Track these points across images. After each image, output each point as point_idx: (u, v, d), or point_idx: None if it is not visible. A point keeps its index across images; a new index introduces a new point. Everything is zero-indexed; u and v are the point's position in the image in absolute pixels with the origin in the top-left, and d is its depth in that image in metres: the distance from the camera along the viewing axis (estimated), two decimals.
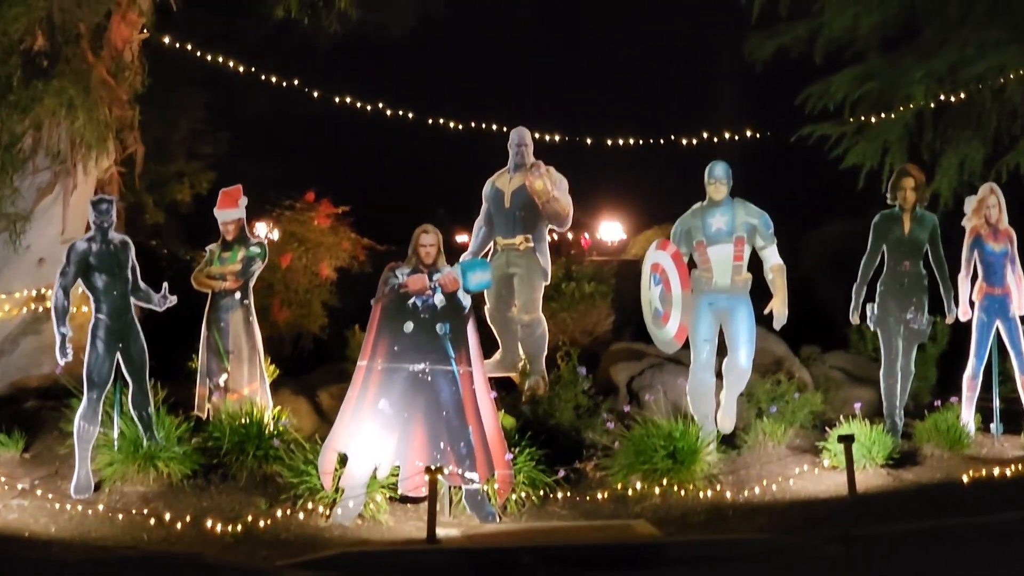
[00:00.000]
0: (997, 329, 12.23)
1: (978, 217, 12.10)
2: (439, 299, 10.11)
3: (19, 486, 10.62)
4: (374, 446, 9.99)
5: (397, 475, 10.13)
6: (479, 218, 13.72)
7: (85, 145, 13.61)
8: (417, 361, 9.97)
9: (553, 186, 13.04)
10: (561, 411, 12.16)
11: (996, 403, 12.89)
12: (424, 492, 9.51)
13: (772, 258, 11.59)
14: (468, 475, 9.85)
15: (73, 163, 13.78)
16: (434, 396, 10.07)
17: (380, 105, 15.89)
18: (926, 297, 12.14)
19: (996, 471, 10.92)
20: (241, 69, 15.80)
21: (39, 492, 10.45)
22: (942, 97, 15.07)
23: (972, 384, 12.15)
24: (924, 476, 11.11)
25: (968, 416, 12.10)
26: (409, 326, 10.00)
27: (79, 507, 10.17)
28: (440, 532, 9.24)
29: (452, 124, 16.33)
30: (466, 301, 10.36)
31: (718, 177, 11.85)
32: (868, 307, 12.26)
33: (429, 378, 10.06)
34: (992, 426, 12.72)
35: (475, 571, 8.91)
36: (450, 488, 10.15)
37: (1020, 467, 11.03)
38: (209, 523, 9.67)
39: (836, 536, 8.93)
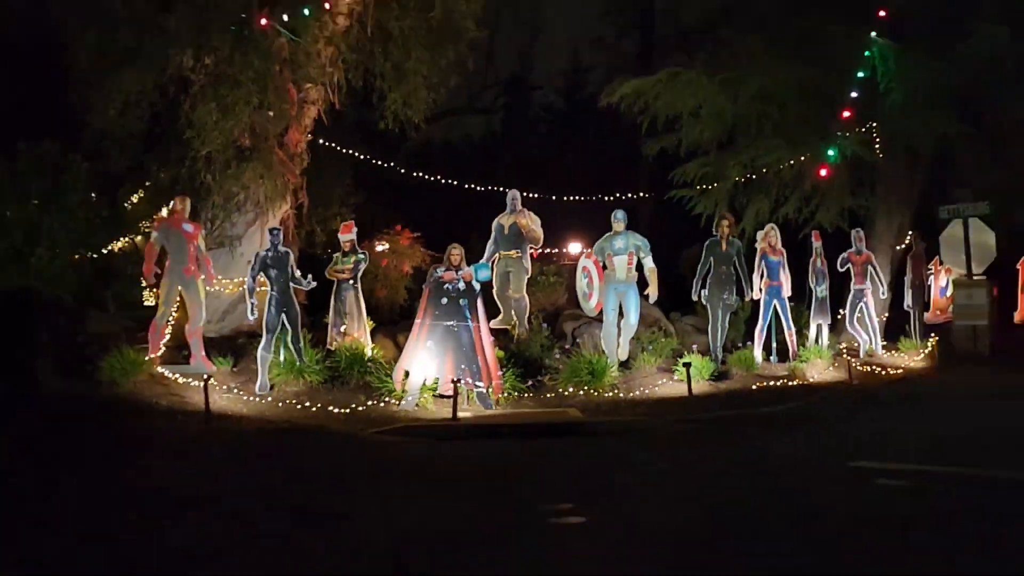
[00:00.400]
0: (775, 305, 14.22)
1: (764, 242, 14.00)
2: (461, 285, 11.87)
3: (229, 386, 12.00)
4: (424, 366, 11.80)
5: (437, 383, 11.78)
6: (490, 240, 14.71)
7: (272, 199, 14.75)
8: (448, 320, 11.80)
9: (531, 222, 14.53)
10: (532, 348, 13.62)
11: (773, 345, 14.83)
12: (451, 392, 11.15)
13: (648, 264, 13.34)
14: (477, 383, 11.72)
15: (266, 208, 14.85)
16: (458, 340, 11.81)
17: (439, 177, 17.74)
18: (735, 286, 13.79)
19: (769, 383, 13.05)
20: (362, 156, 17.13)
21: (238, 391, 11.84)
22: (746, 176, 16.68)
23: (760, 335, 14.31)
24: (731, 386, 13.11)
25: (757, 353, 14.22)
26: (444, 300, 11.83)
27: (259, 399, 11.70)
28: (460, 414, 10.98)
29: (480, 187, 18.12)
30: (477, 287, 12.05)
31: (619, 219, 13.62)
32: (702, 291, 13.94)
33: (455, 330, 11.81)
34: (771, 358, 14.64)
35: (476, 435, 10.57)
36: (467, 391, 11.72)
37: (784, 382, 13.09)
38: (332, 409, 11.36)
39: (679, 418, 11.12)
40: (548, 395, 12.47)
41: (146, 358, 12.30)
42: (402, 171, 17.48)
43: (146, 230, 14.12)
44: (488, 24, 19.33)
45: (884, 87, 14.00)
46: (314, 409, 11.42)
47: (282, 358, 12.50)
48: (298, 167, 15.40)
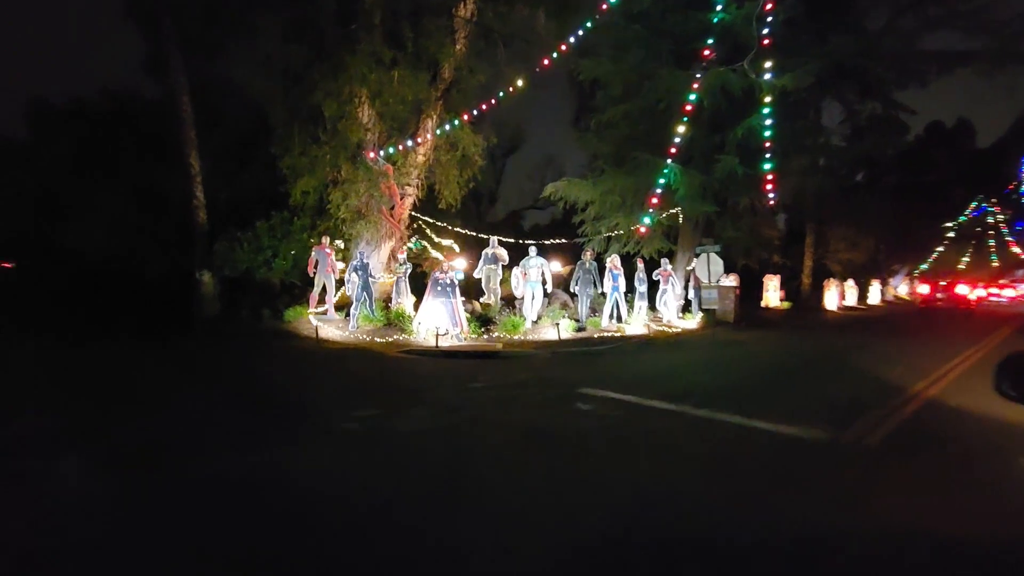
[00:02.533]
0: (615, 295, 12.57)
1: (611, 263, 12.59)
2: (448, 280, 10.82)
3: (340, 326, 11.33)
4: (428, 319, 10.69)
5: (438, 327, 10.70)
6: (481, 259, 13.01)
7: (374, 240, 13.36)
8: (441, 297, 10.72)
9: (502, 253, 13.07)
10: (490, 312, 12.31)
11: (615, 314, 13.02)
12: (442, 333, 10.48)
13: (547, 273, 12.21)
14: (454, 329, 10.68)
15: (378, 246, 13.37)
16: (445, 306, 10.67)
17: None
18: (592, 285, 12.46)
19: (605, 335, 11.61)
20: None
21: (337, 329, 11.16)
22: (610, 231, 15.04)
23: (607, 309, 12.55)
24: (585, 336, 11.54)
25: (604, 319, 12.45)
26: (438, 287, 10.78)
27: (349, 333, 10.90)
28: (443, 344, 10.05)
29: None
30: (456, 281, 11.04)
31: (532, 252, 12.40)
32: (575, 287, 12.58)
33: (443, 301, 10.69)
34: (613, 321, 12.60)
35: (443, 356, 9.59)
36: (448, 333, 10.58)
37: (613, 334, 11.66)
38: (380, 339, 10.52)
39: (550, 351, 10.02)
40: (492, 336, 11.23)
41: (307, 310, 11.96)
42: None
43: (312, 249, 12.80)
44: None
45: (674, 186, 12.97)
46: (374, 339, 10.54)
47: (361, 312, 11.46)
48: (403, 225, 14.08)
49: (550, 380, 7.24)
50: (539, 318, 12.30)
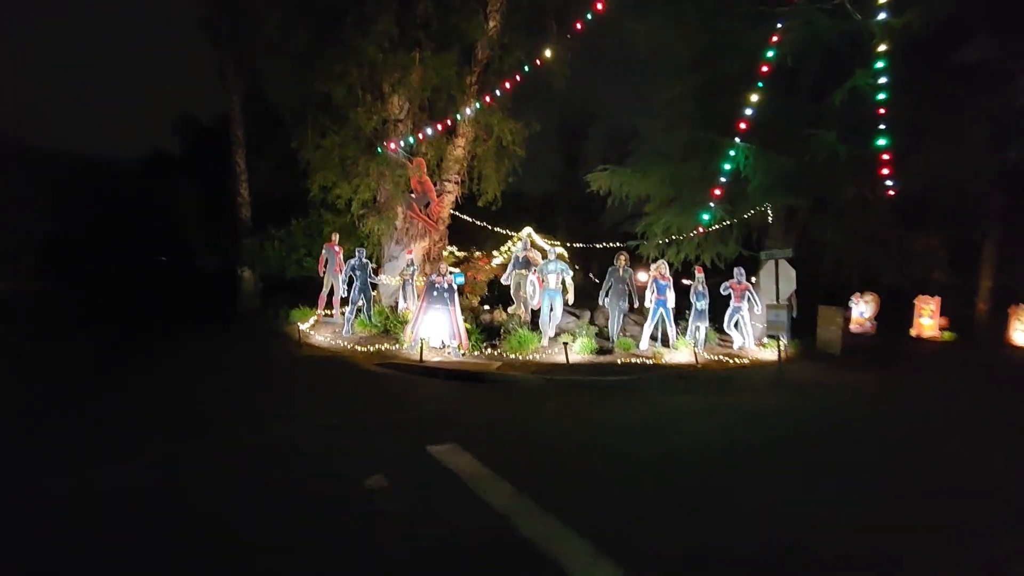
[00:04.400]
0: (660, 311, 10.14)
1: (656, 271, 10.16)
2: (445, 284, 9.55)
3: (335, 330, 10.56)
4: (422, 329, 9.42)
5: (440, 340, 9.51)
6: (511, 262, 11.54)
7: (414, 244, 12.43)
8: (437, 304, 9.49)
9: (535, 255, 11.46)
10: (511, 323, 10.42)
11: (659, 336, 10.28)
12: (438, 346, 9.41)
13: (567, 280, 10.20)
14: (451, 343, 9.44)
15: (407, 246, 12.32)
16: (442, 316, 9.47)
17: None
18: (627, 298, 10.26)
19: (633, 360, 9.25)
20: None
21: (335, 332, 10.37)
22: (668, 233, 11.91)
23: (648, 328, 10.09)
24: (605, 360, 9.30)
25: (644, 341, 10.07)
26: (435, 293, 9.52)
27: (340, 339, 10.00)
28: (432, 359, 8.93)
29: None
30: (455, 287, 9.77)
31: (551, 254, 10.60)
32: (605, 299, 10.37)
33: (439, 310, 9.48)
34: (657, 343, 10.26)
35: (422, 373, 8.37)
36: (446, 347, 9.47)
37: (644, 361, 9.25)
38: (366, 348, 9.48)
39: (547, 378, 8.12)
40: (497, 353, 9.49)
41: (317, 311, 11.35)
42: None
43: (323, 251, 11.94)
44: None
45: (745, 173, 9.92)
46: (356, 348, 9.48)
47: (356, 316, 10.58)
48: (440, 224, 12.93)
49: (456, 424, 5.54)
50: (558, 334, 10.27)
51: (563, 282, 10.19)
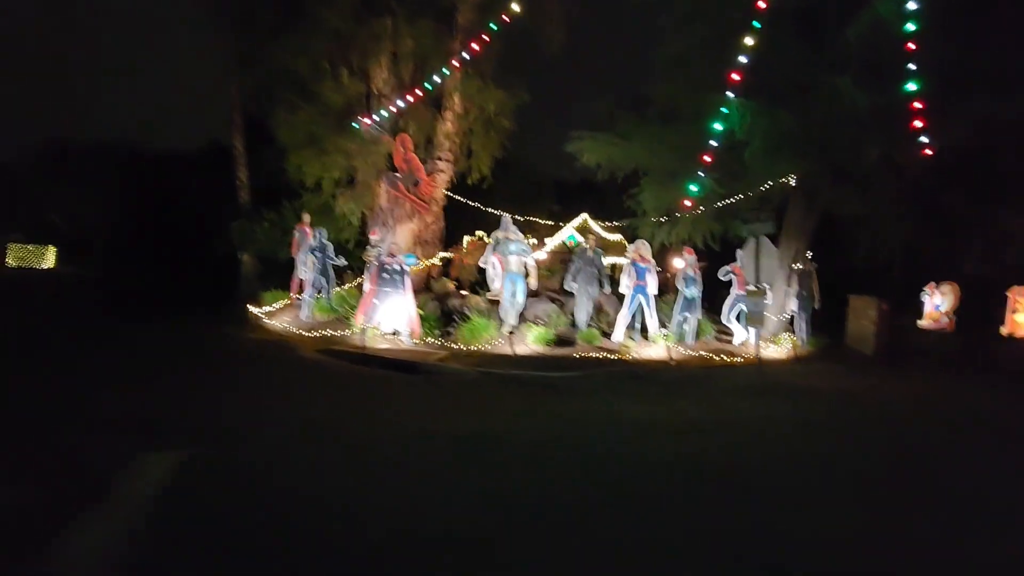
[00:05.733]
0: (640, 299, 8.77)
1: (635, 253, 8.89)
2: (396, 267, 8.84)
3: (295, 316, 10.09)
4: (374, 314, 8.72)
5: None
6: (489, 245, 9.87)
7: (399, 226, 11.58)
8: (389, 287, 8.80)
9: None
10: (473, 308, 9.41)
11: (637, 327, 8.91)
12: (389, 333, 8.74)
13: (530, 262, 9.08)
14: (403, 331, 8.75)
15: (393, 228, 11.35)
16: (394, 301, 8.75)
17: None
18: (597, 282, 9.10)
19: (593, 355, 8.09)
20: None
21: (292, 318, 9.90)
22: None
23: (623, 319, 8.84)
24: (560, 353, 8.23)
25: (619, 332, 8.80)
26: (385, 276, 8.82)
27: (296, 323, 9.60)
28: (379, 346, 8.37)
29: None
30: (407, 269, 9.02)
31: (513, 230, 9.35)
32: (572, 283, 9.04)
33: (391, 294, 8.77)
34: (635, 336, 8.94)
35: (359, 360, 7.69)
36: (398, 333, 8.73)
37: (606, 355, 8.06)
38: (317, 333, 8.97)
39: (482, 371, 7.24)
40: (450, 343, 8.57)
41: (288, 294, 10.94)
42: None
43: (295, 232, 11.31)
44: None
45: (740, 134, 8.26)
46: (306, 333, 8.99)
47: (316, 301, 9.97)
48: (434, 205, 12.18)
49: (264, 421, 4.75)
50: (533, 321, 9.24)
51: (525, 264, 9.13)
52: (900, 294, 16.31)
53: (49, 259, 23.11)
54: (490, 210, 12.73)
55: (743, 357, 8.53)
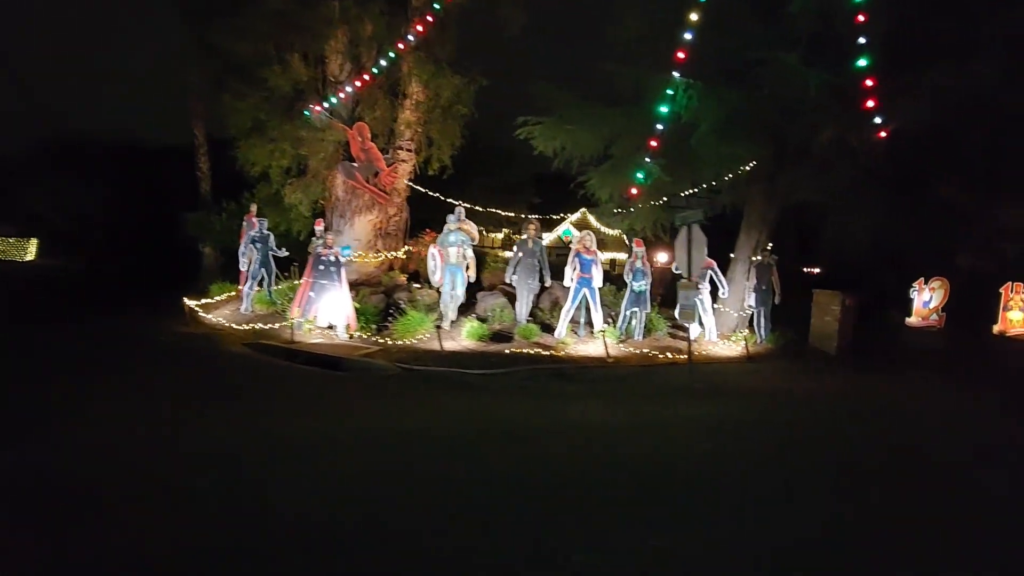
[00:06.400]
0: (585, 292, 8.37)
1: (580, 244, 8.40)
2: (332, 258, 8.61)
3: (236, 307, 9.88)
4: (309, 307, 8.56)
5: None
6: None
7: (356, 217, 11.56)
8: (324, 280, 8.60)
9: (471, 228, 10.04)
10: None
11: (563, 322, 8.41)
12: (324, 326, 8.51)
13: (468, 254, 8.73)
14: (339, 325, 8.50)
15: (351, 220, 11.48)
16: (330, 294, 8.57)
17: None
18: (538, 274, 8.64)
19: (526, 351, 7.69)
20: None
21: (230, 311, 9.65)
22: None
23: (567, 313, 8.43)
24: (492, 348, 7.84)
25: (562, 328, 8.37)
26: (321, 267, 8.61)
27: (232, 322, 9.24)
28: (312, 341, 8.11)
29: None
30: (343, 260, 8.73)
31: (451, 220, 8.98)
32: (513, 276, 8.67)
33: (326, 287, 8.58)
34: (579, 332, 8.52)
35: (284, 355, 7.46)
36: (333, 327, 8.53)
37: (540, 351, 7.67)
38: (250, 326, 8.73)
39: (405, 367, 6.94)
40: (385, 338, 8.23)
41: (235, 286, 10.55)
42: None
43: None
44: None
45: (686, 115, 7.75)
46: (237, 327, 8.71)
47: (255, 293, 9.70)
48: (396, 196, 11.88)
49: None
50: (471, 316, 8.84)
51: (465, 256, 8.74)
52: (889, 289, 15.70)
53: (31, 252, 23.10)
54: (452, 201, 12.42)
55: (690, 355, 8.06)
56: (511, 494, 3.24)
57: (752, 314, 9.19)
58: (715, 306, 9.37)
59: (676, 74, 7.51)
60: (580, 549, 2.59)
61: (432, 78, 10.98)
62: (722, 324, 9.28)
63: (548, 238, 12.21)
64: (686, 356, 7.94)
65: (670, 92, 7.56)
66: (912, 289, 14.58)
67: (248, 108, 10.46)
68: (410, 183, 12.55)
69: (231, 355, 7.51)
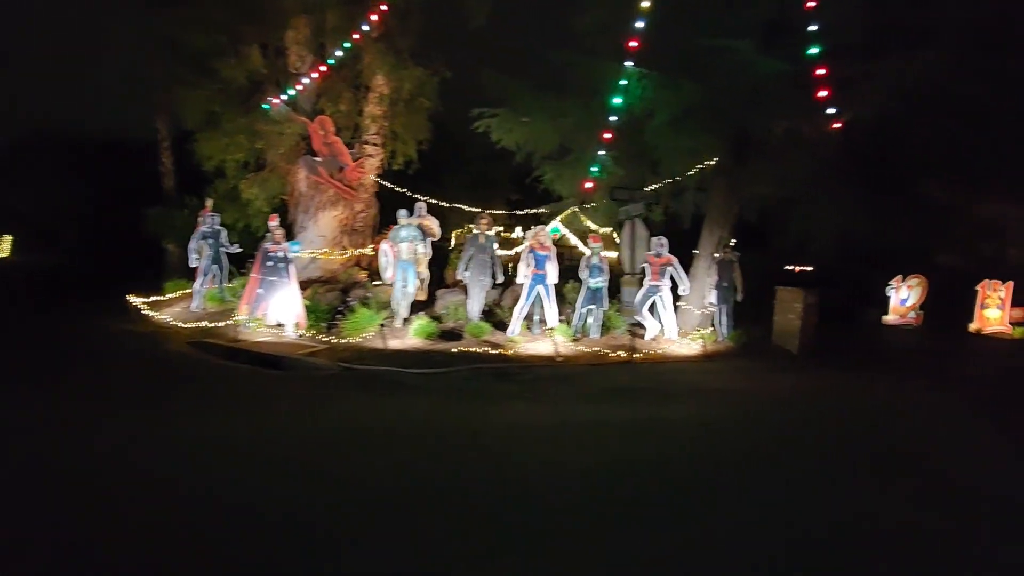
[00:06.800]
0: (539, 289, 8.10)
1: (535, 239, 8.18)
2: (280, 254, 8.36)
3: (179, 305, 9.71)
4: (257, 305, 8.34)
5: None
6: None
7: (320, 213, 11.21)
8: (272, 277, 8.35)
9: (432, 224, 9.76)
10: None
11: (517, 320, 8.14)
12: (273, 325, 8.22)
13: (420, 249, 8.52)
14: (288, 323, 8.20)
15: (315, 215, 11.10)
16: (278, 291, 8.27)
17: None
18: (490, 271, 8.35)
19: (474, 349, 7.43)
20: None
21: (180, 309, 9.45)
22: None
23: (520, 311, 8.15)
24: (440, 347, 7.56)
25: (515, 325, 8.13)
26: (269, 264, 8.38)
27: (179, 320, 9.07)
28: (261, 339, 7.84)
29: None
30: (291, 257, 8.44)
31: (402, 216, 8.79)
32: (465, 273, 8.34)
33: (275, 283, 8.32)
34: (533, 330, 8.31)
35: (224, 355, 7.24)
36: (282, 325, 8.19)
37: (488, 350, 7.44)
38: (198, 324, 8.35)
39: (345, 367, 6.70)
40: (333, 336, 7.95)
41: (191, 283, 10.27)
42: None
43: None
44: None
45: (642, 111, 7.52)
46: (183, 325, 8.45)
47: (206, 289, 9.45)
48: (363, 192, 11.59)
49: None
50: (421, 313, 8.62)
51: (416, 252, 8.53)
52: (869, 287, 15.55)
53: (4, 248, 22.86)
54: (418, 197, 12.20)
55: (644, 353, 7.87)
56: (384, 501, 3.04)
57: (714, 312, 9.00)
58: (678, 304, 9.19)
59: (630, 63, 7.30)
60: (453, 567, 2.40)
61: (393, 70, 10.76)
62: (684, 322, 9.08)
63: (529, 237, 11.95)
64: (640, 355, 7.75)
65: (623, 83, 7.35)
66: (889, 287, 14.46)
67: (200, 100, 10.21)
68: (379, 179, 12.35)
69: (170, 354, 7.32)
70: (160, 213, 12.92)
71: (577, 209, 11.90)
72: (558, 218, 12.35)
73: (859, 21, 6.51)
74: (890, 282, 14.35)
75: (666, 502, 3.21)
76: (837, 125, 6.83)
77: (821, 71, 6.53)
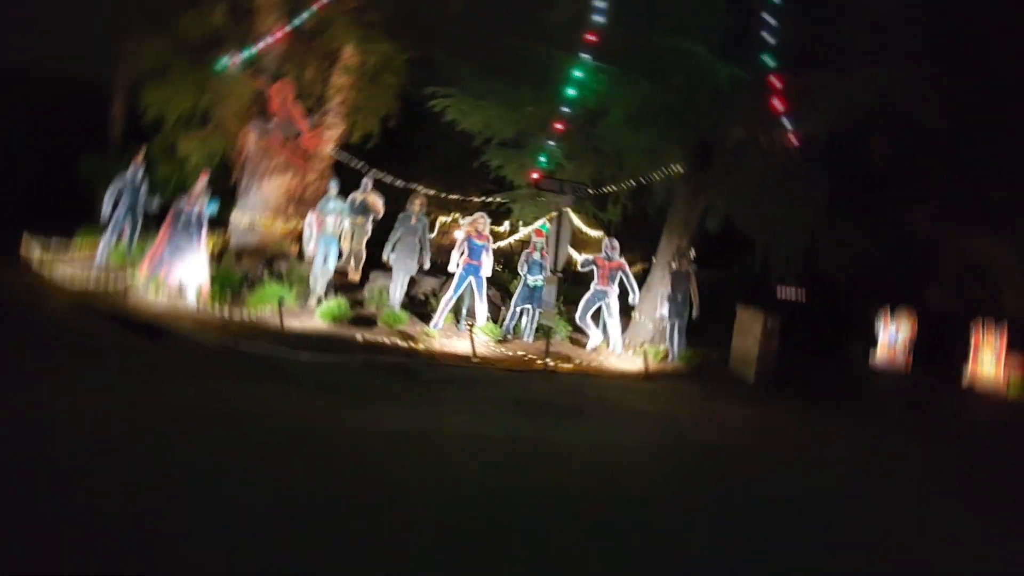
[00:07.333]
0: (471, 281, 7.46)
1: (472, 227, 7.45)
2: (196, 212, 7.65)
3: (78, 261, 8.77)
4: (161, 267, 7.55)
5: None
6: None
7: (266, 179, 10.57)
8: (183, 238, 7.59)
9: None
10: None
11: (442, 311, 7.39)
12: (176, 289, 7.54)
13: (346, 224, 7.93)
14: (190, 290, 7.52)
15: (259, 181, 10.50)
16: (188, 254, 7.53)
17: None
18: (418, 255, 7.84)
19: (385, 340, 6.68)
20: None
21: (83, 264, 8.53)
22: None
23: (447, 302, 7.44)
24: (354, 333, 6.67)
25: (440, 318, 7.34)
26: (180, 223, 7.61)
27: (81, 279, 8.25)
28: (159, 308, 7.15)
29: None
30: (204, 218, 7.74)
31: (331, 187, 8.44)
32: (391, 255, 7.69)
33: (186, 245, 7.55)
34: (460, 324, 7.76)
35: (103, 317, 6.51)
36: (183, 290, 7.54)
37: (398, 343, 6.63)
38: (84, 287, 7.59)
39: (226, 343, 6.06)
40: (235, 309, 7.29)
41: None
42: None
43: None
44: None
45: (597, 105, 6.77)
46: (70, 283, 7.59)
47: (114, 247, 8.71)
48: (317, 162, 10.87)
49: None
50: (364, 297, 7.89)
51: (342, 225, 7.78)
52: (859, 319, 14.65)
53: None
54: (376, 172, 11.52)
55: (576, 364, 7.09)
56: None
57: (665, 327, 8.20)
58: (634, 314, 8.42)
59: (586, 55, 6.55)
60: None
61: (360, 42, 10.17)
62: (635, 335, 8.31)
63: (524, 231, 11.32)
64: (570, 365, 6.98)
65: (578, 74, 6.60)
66: (877, 319, 13.53)
67: (153, 53, 9.58)
68: (341, 152, 11.67)
69: (43, 316, 6.55)
70: (93, 160, 12.08)
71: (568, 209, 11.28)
72: (545, 217, 11.70)
73: (810, 36, 5.79)
74: (878, 312, 13.47)
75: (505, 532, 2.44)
76: (793, 140, 6.08)
77: (776, 82, 5.79)
